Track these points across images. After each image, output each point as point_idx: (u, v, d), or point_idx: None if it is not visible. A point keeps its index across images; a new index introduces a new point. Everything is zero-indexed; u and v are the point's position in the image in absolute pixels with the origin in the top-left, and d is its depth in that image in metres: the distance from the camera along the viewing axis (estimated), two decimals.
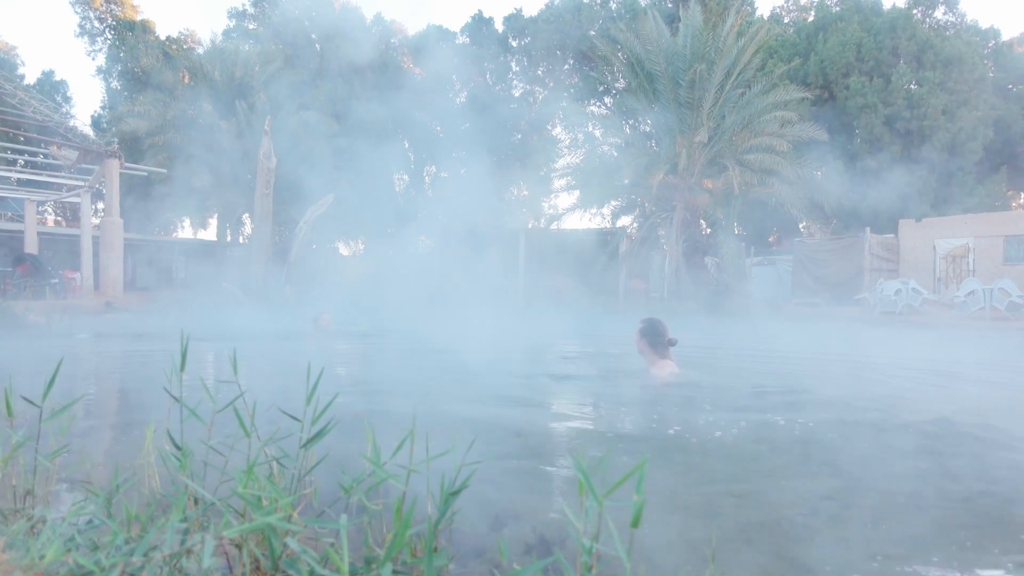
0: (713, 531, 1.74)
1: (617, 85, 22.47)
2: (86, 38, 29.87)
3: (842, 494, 2.14)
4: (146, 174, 19.23)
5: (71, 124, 16.95)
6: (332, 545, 0.91)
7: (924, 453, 2.66)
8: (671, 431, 3.18)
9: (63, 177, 18.67)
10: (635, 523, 0.86)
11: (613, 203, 22.96)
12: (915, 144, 21.28)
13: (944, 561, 1.54)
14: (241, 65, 22.69)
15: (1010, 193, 25.22)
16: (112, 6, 30.05)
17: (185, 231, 32.21)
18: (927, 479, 2.28)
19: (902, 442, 2.83)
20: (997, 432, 3.07)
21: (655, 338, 4.48)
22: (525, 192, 29.30)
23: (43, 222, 27.27)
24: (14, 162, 23.85)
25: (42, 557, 0.86)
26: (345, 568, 0.83)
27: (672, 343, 4.50)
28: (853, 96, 21.57)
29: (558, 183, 20.57)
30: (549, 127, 28.71)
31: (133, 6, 30.65)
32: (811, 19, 26.35)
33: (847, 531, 1.78)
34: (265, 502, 1.03)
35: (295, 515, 0.99)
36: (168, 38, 28.46)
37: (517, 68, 28.67)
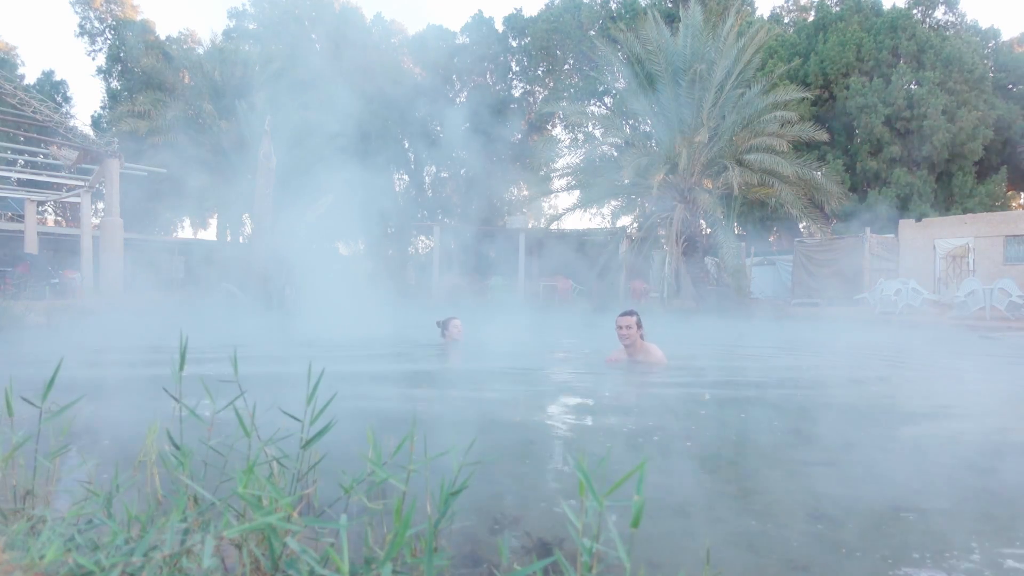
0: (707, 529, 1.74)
1: (617, 85, 22.45)
2: (86, 38, 29.86)
3: None
4: (146, 174, 19.20)
5: (71, 124, 16.90)
6: (332, 545, 0.91)
7: None
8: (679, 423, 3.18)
9: (63, 177, 18.66)
10: (635, 523, 0.86)
11: (613, 203, 22.98)
12: (915, 144, 21.26)
13: None
14: (241, 65, 22.68)
15: (1010, 193, 25.20)
16: (112, 6, 30.02)
17: (185, 231, 32.23)
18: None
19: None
20: None
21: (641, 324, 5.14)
22: (525, 192, 29.28)
23: (43, 222, 27.25)
24: (14, 162, 23.84)
25: (42, 557, 0.85)
26: (345, 568, 0.83)
27: None
28: (853, 96, 21.55)
29: (558, 183, 20.56)
30: (549, 127, 28.71)
31: (133, 6, 30.63)
32: (811, 19, 26.34)
33: None
34: (265, 502, 1.02)
35: (295, 515, 0.99)
36: (168, 38, 28.41)
37: (517, 68, 28.66)
